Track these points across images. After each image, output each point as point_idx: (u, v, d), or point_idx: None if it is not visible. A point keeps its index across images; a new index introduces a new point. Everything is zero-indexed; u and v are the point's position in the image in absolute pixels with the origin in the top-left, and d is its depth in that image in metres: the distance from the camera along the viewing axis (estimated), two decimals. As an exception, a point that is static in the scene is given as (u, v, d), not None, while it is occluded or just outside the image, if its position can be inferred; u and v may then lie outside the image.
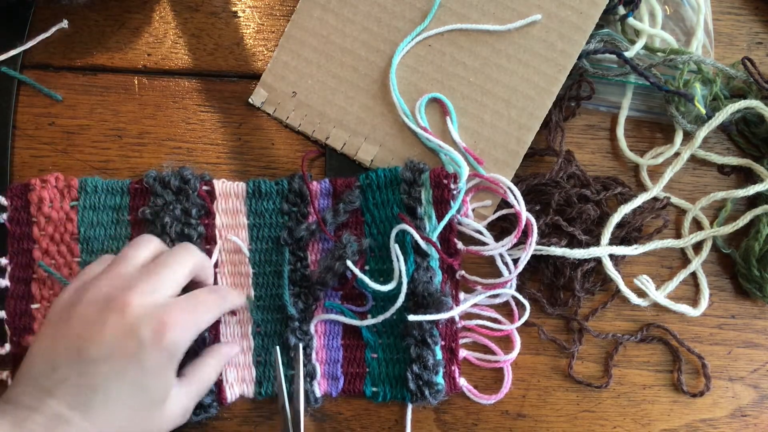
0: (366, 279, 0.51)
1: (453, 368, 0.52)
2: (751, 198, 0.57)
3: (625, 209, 0.54)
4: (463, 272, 0.53)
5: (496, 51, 0.56)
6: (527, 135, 0.55)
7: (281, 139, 0.57)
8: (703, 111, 0.55)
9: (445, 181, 0.52)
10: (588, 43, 0.56)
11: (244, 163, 0.56)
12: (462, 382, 0.53)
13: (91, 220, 0.53)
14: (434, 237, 0.52)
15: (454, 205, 0.52)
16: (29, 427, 0.37)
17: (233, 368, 0.52)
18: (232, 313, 0.53)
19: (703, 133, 0.55)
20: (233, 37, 0.59)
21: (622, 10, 0.58)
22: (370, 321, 0.52)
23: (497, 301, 0.54)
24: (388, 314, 0.51)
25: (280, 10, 0.59)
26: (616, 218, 0.54)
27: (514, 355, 0.53)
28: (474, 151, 0.55)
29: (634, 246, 0.54)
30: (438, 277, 0.52)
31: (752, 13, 0.62)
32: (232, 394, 0.52)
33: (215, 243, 0.53)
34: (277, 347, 0.51)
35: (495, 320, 0.54)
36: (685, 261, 0.57)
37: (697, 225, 0.58)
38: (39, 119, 0.56)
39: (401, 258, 0.51)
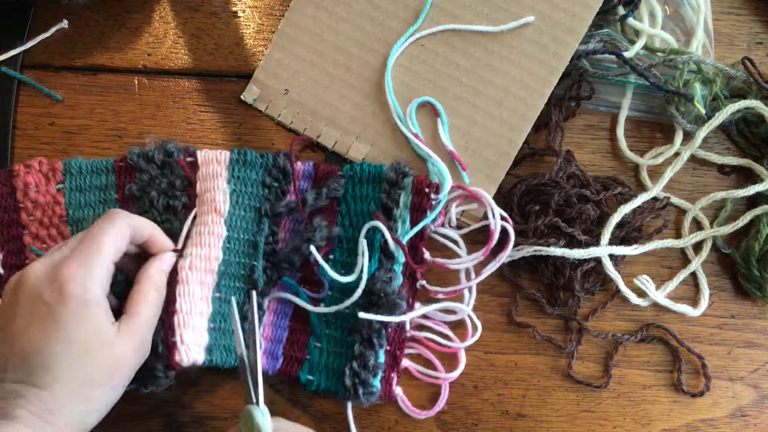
0: (326, 267, 0.51)
1: (392, 375, 0.52)
2: (751, 198, 0.57)
3: (625, 209, 0.54)
4: (424, 282, 0.53)
5: (488, 52, 0.56)
6: (518, 136, 0.55)
7: (281, 139, 0.57)
8: (703, 111, 0.55)
9: (427, 190, 0.52)
10: (588, 43, 0.56)
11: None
12: (398, 390, 0.52)
13: (79, 201, 0.52)
14: (404, 241, 0.52)
15: (430, 215, 0.52)
16: None
17: (189, 330, 0.48)
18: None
19: (703, 133, 0.55)
20: (233, 37, 0.59)
21: (621, 11, 0.58)
22: (322, 309, 0.51)
23: (454, 318, 0.53)
24: (342, 306, 0.50)
25: (280, 10, 0.59)
26: (615, 218, 0.54)
27: (455, 374, 0.52)
28: (465, 152, 0.55)
29: (634, 246, 0.54)
30: (398, 281, 0.52)
31: (752, 13, 0.62)
32: (187, 356, 0.47)
33: (191, 209, 0.52)
34: (233, 299, 0.49)
35: (447, 337, 0.54)
36: (685, 261, 0.57)
37: (697, 225, 0.58)
38: (39, 119, 0.56)
39: (366, 253, 0.51)
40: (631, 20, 0.58)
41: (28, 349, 0.40)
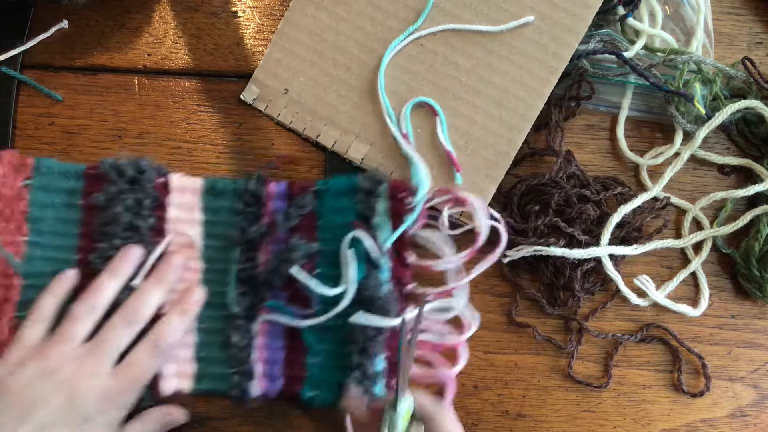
0: (309, 281, 0.50)
1: (393, 381, 0.51)
2: (751, 198, 0.57)
3: (625, 209, 0.54)
4: (412, 285, 0.53)
5: (488, 52, 0.56)
6: (518, 136, 0.55)
7: (281, 139, 0.57)
8: (703, 111, 0.55)
9: (403, 195, 0.52)
10: (588, 43, 0.56)
11: (244, 163, 0.56)
12: None
13: (43, 201, 0.52)
14: (386, 247, 0.51)
15: (409, 219, 0.52)
16: None
17: (172, 362, 0.51)
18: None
19: (703, 133, 0.55)
20: (233, 37, 0.59)
21: (621, 11, 0.58)
22: (309, 321, 0.51)
23: (449, 315, 0.53)
24: (328, 316, 0.50)
25: (280, 10, 0.59)
26: (615, 218, 0.54)
27: (456, 369, 0.52)
28: (464, 152, 0.55)
29: (634, 246, 0.54)
30: (386, 287, 0.51)
31: (752, 13, 0.62)
32: (168, 388, 0.50)
33: (164, 236, 0.52)
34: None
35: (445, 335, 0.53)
36: (685, 261, 0.57)
37: (697, 225, 0.58)
38: (39, 119, 0.56)
39: (353, 261, 0.50)
40: (631, 20, 0.58)
41: None
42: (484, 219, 0.51)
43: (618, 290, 0.54)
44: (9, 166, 0.52)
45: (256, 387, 0.51)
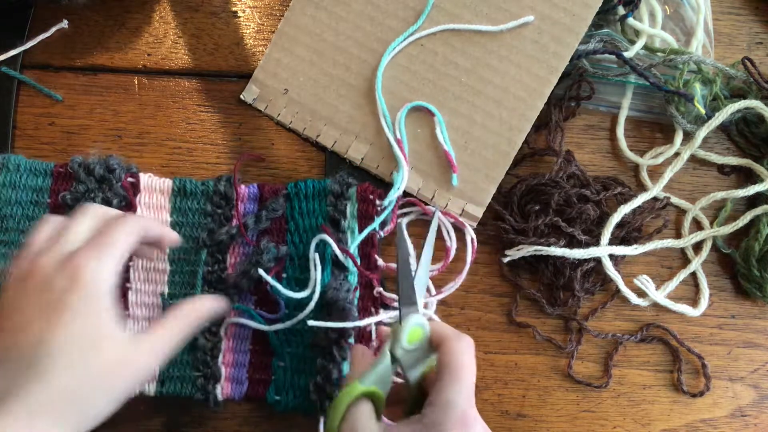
0: (278, 285, 0.50)
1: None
2: (751, 198, 0.57)
3: (625, 209, 0.54)
4: (380, 289, 0.53)
5: (488, 52, 0.56)
6: (518, 136, 0.55)
7: (281, 139, 0.57)
8: (703, 111, 0.55)
9: (371, 197, 0.52)
10: (588, 43, 0.56)
11: (244, 163, 0.56)
12: None
13: (9, 198, 0.52)
14: (353, 250, 0.52)
15: (377, 220, 0.52)
16: None
17: None
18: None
19: (703, 133, 0.55)
20: (233, 37, 0.59)
21: (621, 11, 0.58)
22: (276, 326, 0.51)
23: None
24: (295, 321, 0.50)
25: (280, 10, 0.59)
26: (616, 218, 0.54)
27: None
28: (464, 152, 0.55)
29: (634, 246, 0.54)
30: (354, 290, 0.51)
31: (752, 13, 0.62)
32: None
33: None
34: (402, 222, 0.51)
35: None
36: (685, 261, 0.57)
37: (697, 225, 0.58)
38: (39, 119, 0.56)
39: (318, 266, 0.50)
40: (631, 20, 0.58)
41: (30, 342, 0.38)
42: (452, 233, 0.54)
43: (618, 290, 0.54)
44: None
45: (221, 390, 0.51)
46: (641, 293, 0.55)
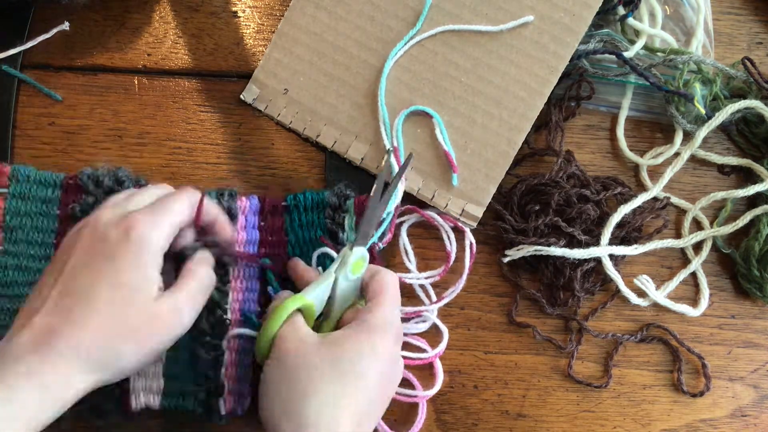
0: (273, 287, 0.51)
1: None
2: (751, 198, 0.57)
3: (625, 209, 0.54)
4: None
5: (488, 52, 0.56)
6: (518, 136, 0.55)
7: (281, 139, 0.57)
8: (703, 111, 0.55)
9: None
10: (588, 43, 0.56)
11: (244, 163, 0.56)
12: None
13: (18, 210, 0.51)
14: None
15: (376, 234, 0.52)
16: (15, 341, 0.38)
17: (141, 377, 0.50)
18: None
19: (703, 133, 0.55)
20: (233, 37, 0.59)
21: (621, 11, 0.58)
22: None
23: (420, 329, 0.53)
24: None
25: (280, 10, 0.59)
26: (616, 218, 0.54)
27: (431, 392, 0.52)
28: (465, 152, 0.55)
29: (634, 246, 0.54)
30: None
31: (752, 13, 0.62)
32: (137, 403, 0.50)
33: None
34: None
35: (421, 349, 0.53)
36: (685, 261, 0.57)
37: (697, 225, 0.58)
38: (39, 119, 0.56)
39: (324, 278, 0.49)
40: (631, 20, 0.58)
41: (76, 286, 0.40)
42: (453, 239, 0.54)
43: (618, 290, 0.54)
44: None
45: (224, 404, 0.50)
46: (641, 293, 0.55)
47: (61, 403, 0.38)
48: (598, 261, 0.54)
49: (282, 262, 0.52)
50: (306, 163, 0.57)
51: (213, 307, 0.50)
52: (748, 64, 0.57)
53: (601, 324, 0.56)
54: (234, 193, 0.52)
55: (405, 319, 0.53)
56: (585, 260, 0.53)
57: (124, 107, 0.57)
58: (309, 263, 0.52)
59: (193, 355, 0.50)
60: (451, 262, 0.54)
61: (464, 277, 0.54)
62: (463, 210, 0.54)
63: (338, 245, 0.52)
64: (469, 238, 0.54)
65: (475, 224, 0.54)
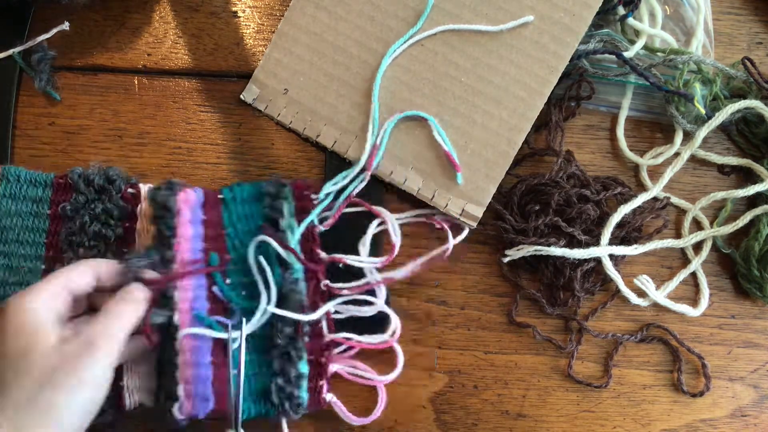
0: (230, 294, 0.50)
1: (320, 383, 0.51)
2: (751, 198, 0.57)
3: (625, 209, 0.54)
4: (326, 282, 0.52)
5: (488, 52, 0.56)
6: (518, 136, 0.55)
7: (281, 139, 0.57)
8: (703, 111, 0.55)
9: (306, 192, 0.52)
10: (587, 43, 0.56)
11: (244, 163, 0.56)
12: (329, 397, 0.51)
13: (9, 209, 0.51)
14: (294, 246, 0.51)
15: (312, 213, 0.52)
16: None
17: (135, 375, 0.50)
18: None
19: (703, 133, 0.55)
20: (233, 37, 0.59)
21: (621, 11, 0.58)
22: (244, 330, 0.49)
23: (369, 312, 0.53)
24: (256, 323, 0.50)
25: (280, 10, 0.59)
26: (616, 218, 0.54)
27: (390, 377, 0.52)
28: (464, 152, 0.55)
29: (634, 246, 0.54)
30: (302, 286, 0.51)
31: (752, 13, 0.62)
32: (131, 401, 0.50)
33: (134, 245, 0.52)
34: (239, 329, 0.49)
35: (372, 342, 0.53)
36: (685, 261, 0.57)
37: (697, 225, 0.58)
38: (39, 119, 0.56)
39: (267, 267, 0.50)
40: (631, 20, 0.58)
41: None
42: (398, 231, 0.54)
43: (618, 290, 0.54)
44: None
45: (179, 411, 0.48)
46: (641, 293, 0.55)
47: None
48: (598, 261, 0.54)
49: (222, 255, 0.51)
50: (306, 163, 0.57)
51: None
52: (748, 64, 0.57)
53: (601, 324, 0.56)
54: (173, 186, 0.51)
55: (352, 302, 0.53)
56: (585, 260, 0.53)
57: (124, 107, 0.57)
58: (248, 255, 0.51)
59: (148, 354, 0.50)
60: (395, 254, 0.53)
61: (412, 265, 0.53)
62: (463, 210, 0.54)
63: (279, 232, 0.51)
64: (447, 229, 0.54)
65: (475, 224, 0.54)
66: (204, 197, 0.52)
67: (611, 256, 0.54)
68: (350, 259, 0.53)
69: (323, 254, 0.53)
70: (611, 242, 0.54)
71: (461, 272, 0.55)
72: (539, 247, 0.52)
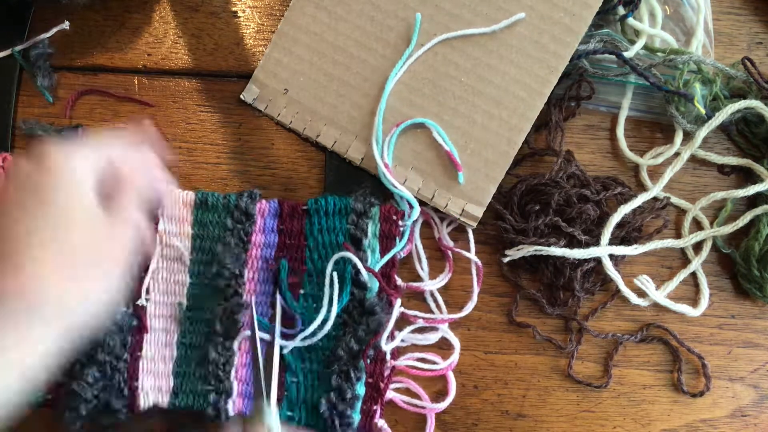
0: (293, 306, 0.51)
1: (374, 407, 0.51)
2: (751, 198, 0.57)
3: (625, 209, 0.54)
4: (402, 308, 0.53)
5: (488, 52, 0.56)
6: (518, 136, 0.55)
7: (281, 139, 0.57)
8: (703, 111, 0.55)
9: (394, 218, 0.52)
10: (588, 43, 0.56)
11: (244, 163, 0.56)
12: (381, 423, 0.52)
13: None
14: (377, 269, 0.52)
15: (401, 242, 0.52)
16: None
17: (150, 376, 0.51)
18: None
19: (703, 133, 0.55)
20: (233, 37, 0.59)
21: (621, 11, 0.58)
22: (292, 343, 0.51)
23: (431, 340, 0.54)
24: (314, 339, 0.51)
25: (280, 10, 0.59)
26: (616, 218, 0.54)
27: (443, 404, 0.52)
28: (464, 152, 0.55)
29: (634, 246, 0.54)
30: (375, 296, 0.52)
31: (752, 13, 0.62)
32: (145, 402, 0.51)
33: (154, 247, 0.52)
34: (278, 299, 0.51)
35: (432, 362, 0.54)
36: (685, 261, 0.57)
37: (697, 225, 0.58)
38: (39, 119, 0.56)
39: (336, 284, 0.50)
40: (631, 20, 0.58)
41: (8, 234, 0.36)
42: (445, 234, 0.55)
43: (618, 290, 0.54)
44: (0, 170, 0.52)
45: (233, 406, 0.51)
46: (641, 293, 0.55)
47: (22, 370, 0.34)
48: (598, 261, 0.54)
49: (299, 266, 0.52)
50: (306, 163, 0.57)
51: (228, 308, 0.51)
52: (748, 64, 0.57)
53: (601, 324, 0.56)
54: (255, 195, 0.53)
55: (416, 330, 0.54)
56: (585, 260, 0.53)
57: (124, 107, 0.57)
58: (325, 268, 0.51)
59: (204, 355, 0.51)
60: (451, 259, 0.54)
61: (474, 297, 0.54)
62: (463, 210, 0.54)
63: (360, 252, 0.51)
64: (474, 259, 0.54)
65: (475, 224, 0.54)
66: (279, 207, 0.53)
67: (611, 256, 0.54)
68: (426, 287, 0.54)
69: (400, 281, 0.53)
70: (611, 242, 0.54)
71: (461, 272, 0.55)
72: (539, 247, 0.52)
